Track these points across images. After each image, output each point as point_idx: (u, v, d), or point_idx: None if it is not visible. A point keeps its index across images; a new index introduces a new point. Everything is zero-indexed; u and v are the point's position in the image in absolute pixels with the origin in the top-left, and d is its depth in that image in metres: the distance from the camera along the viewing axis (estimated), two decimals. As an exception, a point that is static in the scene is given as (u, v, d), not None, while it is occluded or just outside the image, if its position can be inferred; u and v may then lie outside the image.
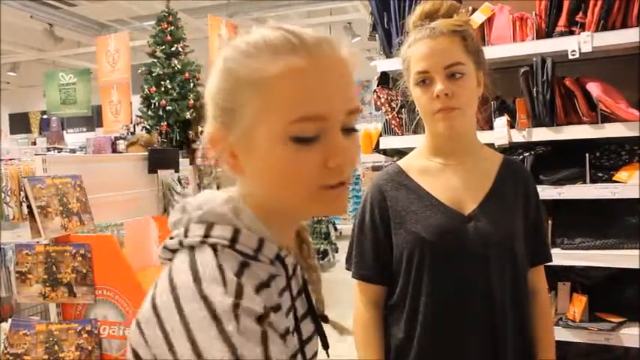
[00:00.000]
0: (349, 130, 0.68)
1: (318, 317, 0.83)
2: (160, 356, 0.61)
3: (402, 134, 2.27)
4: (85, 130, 12.37)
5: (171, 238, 0.72)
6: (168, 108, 6.21)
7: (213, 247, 0.68)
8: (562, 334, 1.98)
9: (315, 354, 0.82)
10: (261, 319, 0.60)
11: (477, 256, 1.24)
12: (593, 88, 1.88)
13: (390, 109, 2.26)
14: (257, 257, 0.69)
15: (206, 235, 0.69)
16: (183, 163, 4.68)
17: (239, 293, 0.61)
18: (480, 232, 1.24)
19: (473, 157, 1.33)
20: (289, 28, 0.67)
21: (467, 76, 1.23)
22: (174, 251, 0.71)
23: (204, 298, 0.60)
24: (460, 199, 1.29)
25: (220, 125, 0.70)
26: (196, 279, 0.62)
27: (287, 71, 0.64)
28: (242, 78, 0.66)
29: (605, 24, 1.87)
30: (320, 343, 0.84)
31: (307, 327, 0.80)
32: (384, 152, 2.56)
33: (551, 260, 1.40)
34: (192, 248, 0.68)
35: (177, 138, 6.26)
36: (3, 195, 2.72)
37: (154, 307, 0.63)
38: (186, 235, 0.70)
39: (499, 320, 1.24)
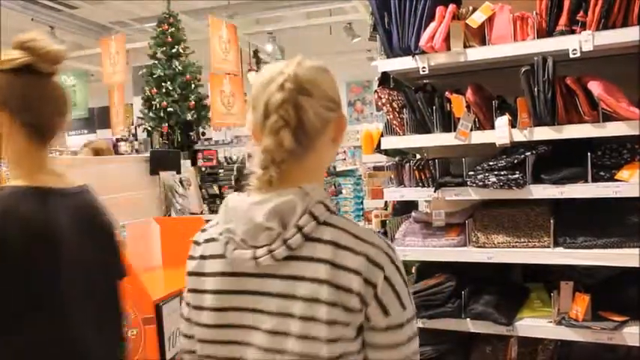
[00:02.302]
0: None
1: None
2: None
3: (404, 134, 2.27)
4: (86, 132, 12.37)
5: (285, 240, 0.92)
6: (169, 109, 6.21)
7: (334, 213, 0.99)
8: (565, 334, 1.99)
9: None
10: None
11: None
12: (595, 87, 1.88)
13: (391, 109, 2.26)
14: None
15: (327, 210, 0.97)
16: (185, 164, 4.69)
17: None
18: None
19: None
20: None
21: None
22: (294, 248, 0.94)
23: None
24: None
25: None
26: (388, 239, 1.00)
27: None
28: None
29: (605, 23, 1.87)
30: None
31: None
32: (386, 152, 2.56)
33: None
34: (328, 223, 0.96)
35: (179, 139, 6.27)
36: (5, 197, 2.72)
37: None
38: (314, 217, 0.94)
39: None
